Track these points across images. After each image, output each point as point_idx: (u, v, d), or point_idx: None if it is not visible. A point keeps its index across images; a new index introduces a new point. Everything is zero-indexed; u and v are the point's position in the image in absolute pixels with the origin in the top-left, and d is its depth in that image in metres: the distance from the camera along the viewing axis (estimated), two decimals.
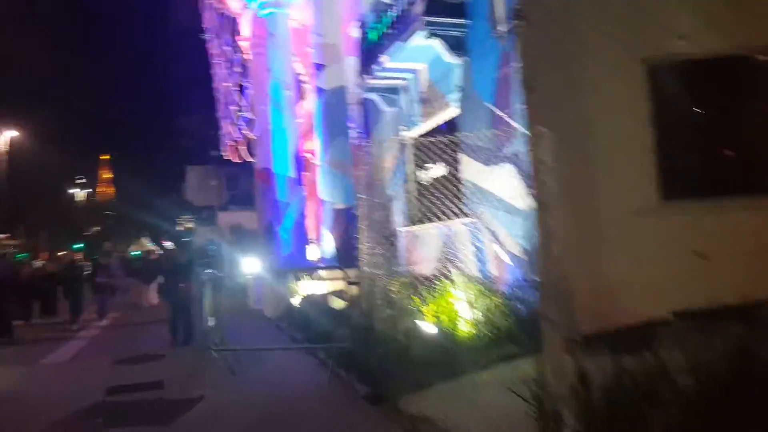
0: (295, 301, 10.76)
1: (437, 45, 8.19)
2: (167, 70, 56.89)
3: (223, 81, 14.45)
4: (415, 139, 10.33)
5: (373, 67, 9.85)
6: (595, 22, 6.98)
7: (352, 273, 10.97)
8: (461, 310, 6.83)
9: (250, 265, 15.38)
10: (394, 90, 10.61)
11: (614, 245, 7.21)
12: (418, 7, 7.98)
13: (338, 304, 9.24)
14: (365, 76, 10.25)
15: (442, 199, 9.22)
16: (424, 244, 10.16)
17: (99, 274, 13.15)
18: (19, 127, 34.03)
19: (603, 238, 7.18)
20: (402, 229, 10.91)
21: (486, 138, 7.62)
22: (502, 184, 7.54)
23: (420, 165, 10.18)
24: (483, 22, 7.70)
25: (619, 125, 7.10)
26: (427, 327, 6.67)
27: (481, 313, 6.79)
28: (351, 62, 11.86)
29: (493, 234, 7.88)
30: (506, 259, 7.67)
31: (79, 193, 53.11)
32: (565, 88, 7.01)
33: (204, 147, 51.30)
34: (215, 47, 14.62)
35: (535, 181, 7.09)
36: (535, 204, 7.14)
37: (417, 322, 6.80)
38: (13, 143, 33.05)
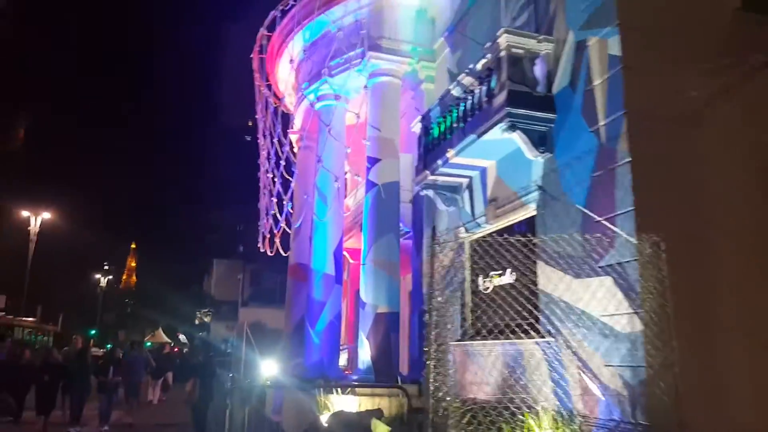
0: (323, 418, 9.20)
1: (517, 139, 7.39)
2: (205, 164, 58.64)
3: (267, 172, 13.94)
4: (476, 241, 9.30)
5: (436, 162, 9.10)
6: (714, 131, 6.18)
7: (388, 389, 9.50)
8: None
9: (270, 369, 13.90)
10: (453, 188, 9.78)
11: (740, 384, 5.81)
12: (500, 99, 7.30)
13: (380, 429, 7.71)
14: (425, 171, 9.48)
15: (509, 313, 7.97)
16: (479, 364, 8.75)
17: (113, 370, 10.82)
18: (54, 210, 34.23)
19: (726, 375, 5.80)
20: (452, 344, 9.53)
21: (577, 245, 6.52)
22: (595, 300, 6.31)
23: (481, 271, 9.05)
24: (576, 117, 6.93)
25: (747, 243, 6.02)
26: None
27: None
28: (407, 159, 11.25)
29: (581, 360, 6.51)
30: (597, 392, 6.23)
31: (103, 280, 52.80)
32: (682, 198, 6.04)
33: (230, 241, 51.44)
34: (264, 139, 14.31)
35: (643, 299, 5.93)
36: (643, 327, 5.92)
37: None
38: (44, 224, 33.07)
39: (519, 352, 7.72)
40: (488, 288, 8.76)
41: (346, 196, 11.75)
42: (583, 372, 6.44)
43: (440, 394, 5.16)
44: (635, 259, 5.83)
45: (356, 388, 9.50)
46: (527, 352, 7.55)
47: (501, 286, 8.40)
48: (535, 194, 7.61)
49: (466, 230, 9.45)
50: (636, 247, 5.78)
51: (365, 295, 10.07)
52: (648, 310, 5.63)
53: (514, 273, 8.09)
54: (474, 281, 9.25)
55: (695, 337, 5.68)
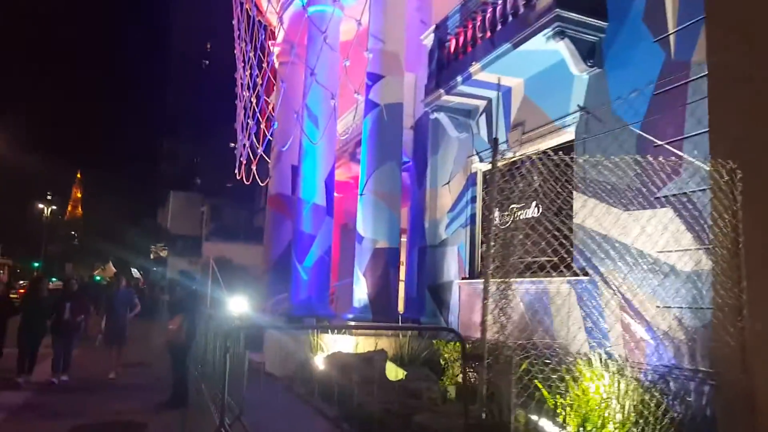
0: (318, 359, 8.45)
1: (563, 50, 6.42)
2: (161, 90, 54.84)
3: (245, 91, 12.50)
4: (494, 170, 8.45)
5: (454, 79, 8.05)
6: None
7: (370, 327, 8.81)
8: (608, 409, 4.72)
9: (239, 307, 13.03)
10: (467, 112, 8.80)
11: None
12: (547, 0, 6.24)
13: (394, 372, 7.00)
14: (439, 90, 8.42)
15: (533, 249, 7.26)
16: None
17: (70, 307, 8.46)
18: None
19: None
20: (459, 282, 8.85)
21: (627, 173, 5.72)
22: (649, 235, 5.61)
23: (498, 204, 8.24)
24: (634, 25, 5.98)
25: None
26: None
27: (631, 413, 4.71)
28: (410, 78, 10.12)
29: (625, 300, 5.89)
30: (645, 335, 5.65)
31: (47, 210, 49.77)
32: (760, 121, 5.29)
33: (187, 173, 49.06)
34: (241, 52, 12.77)
35: (715, 233, 5.26)
36: (713, 264, 5.28)
37: (548, 423, 4.67)
38: None
39: (544, 292, 7.07)
40: (507, 223, 7.98)
41: (341, 115, 10.56)
42: (628, 313, 5.83)
43: (501, 338, 4.39)
44: (707, 188, 5.11)
45: (351, 326, 8.75)
46: (555, 291, 6.91)
47: (524, 221, 7.64)
48: (575, 116, 6.73)
49: (481, 159, 8.56)
50: (709, 175, 5.03)
51: (363, 228, 9.15)
52: (719, 246, 4.95)
53: (540, 206, 7.32)
54: (488, 215, 8.45)
55: (766, 278, 5.08)
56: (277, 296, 11.69)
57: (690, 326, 5.19)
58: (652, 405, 4.61)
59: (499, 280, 7.52)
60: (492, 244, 4.60)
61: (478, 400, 4.33)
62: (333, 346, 8.72)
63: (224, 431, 4.73)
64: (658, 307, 5.47)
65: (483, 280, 8.31)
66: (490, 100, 8.35)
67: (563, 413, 4.68)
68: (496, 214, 8.29)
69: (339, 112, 11.73)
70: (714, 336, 4.93)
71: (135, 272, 43.95)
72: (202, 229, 32.34)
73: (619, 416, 4.70)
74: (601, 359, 5.21)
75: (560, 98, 6.93)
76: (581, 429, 4.57)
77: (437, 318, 9.22)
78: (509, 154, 8.00)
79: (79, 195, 71.71)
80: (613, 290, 5.99)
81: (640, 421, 4.56)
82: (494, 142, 4.58)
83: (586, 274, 6.37)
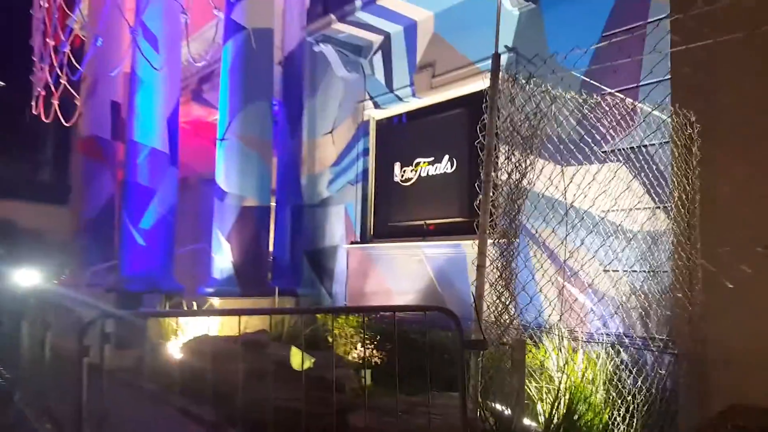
0: (174, 346, 6.64)
1: None
2: None
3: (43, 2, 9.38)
4: (390, 119, 7.37)
5: (351, 4, 6.68)
6: None
7: (263, 301, 7.35)
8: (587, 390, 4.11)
9: (30, 280, 10.26)
10: (358, 48, 7.51)
11: None
12: None
13: (300, 359, 5.58)
14: (329, 16, 6.98)
15: (442, 207, 6.46)
16: (384, 269, 7.13)
17: None
18: None
19: (756, 287, 5.22)
20: (347, 247, 7.68)
21: (567, 123, 5.11)
22: (589, 191, 5.11)
23: (398, 158, 7.21)
24: None
25: None
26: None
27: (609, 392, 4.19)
28: (278, 2, 8.41)
29: (563, 265, 5.36)
30: (586, 301, 5.21)
31: None
32: (722, 69, 5.00)
33: None
34: None
35: (674, 189, 4.91)
36: (673, 224, 4.93)
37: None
38: None
39: (456, 256, 6.31)
40: (410, 179, 7.00)
41: (188, 38, 8.32)
42: (565, 279, 5.33)
43: (506, 319, 3.42)
44: (665, 142, 4.73)
45: (216, 302, 7.12)
46: (471, 255, 6.19)
47: (431, 177, 6.74)
48: (502, 58, 5.94)
49: (377, 105, 7.39)
50: (672, 126, 4.64)
51: (226, 182, 7.37)
52: (681, 205, 4.62)
53: (454, 160, 6.49)
54: (384, 170, 7.38)
55: (734, 236, 4.86)
56: (96, 266, 9.23)
57: (644, 290, 4.84)
58: (629, 382, 4.12)
59: (390, 243, 6.53)
60: (501, 200, 3.53)
61: (470, 396, 3.33)
62: (189, 328, 7.00)
63: None
64: (606, 271, 5.05)
65: (372, 243, 7.31)
66: (388, 35, 7.18)
67: (545, 403, 3.94)
68: (397, 168, 7.30)
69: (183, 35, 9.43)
70: (673, 302, 4.64)
71: None
72: None
73: (599, 397, 4.14)
74: (561, 335, 4.59)
75: (482, 37, 6.07)
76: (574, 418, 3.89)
77: (317, 288, 7.99)
78: (413, 100, 7.02)
79: None
80: (546, 253, 5.45)
81: (618, 400, 4.05)
82: (495, 57, 3.51)
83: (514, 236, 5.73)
